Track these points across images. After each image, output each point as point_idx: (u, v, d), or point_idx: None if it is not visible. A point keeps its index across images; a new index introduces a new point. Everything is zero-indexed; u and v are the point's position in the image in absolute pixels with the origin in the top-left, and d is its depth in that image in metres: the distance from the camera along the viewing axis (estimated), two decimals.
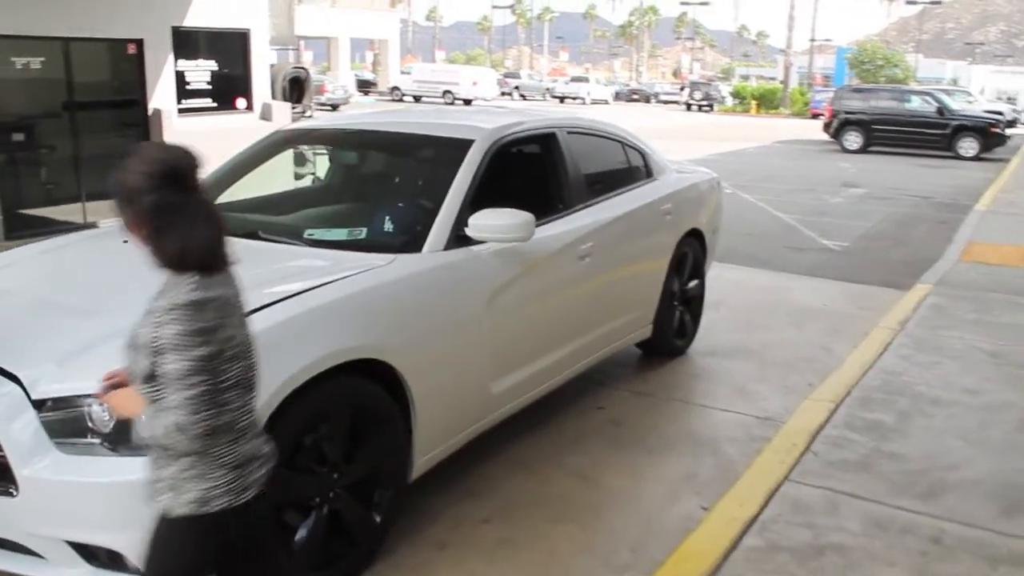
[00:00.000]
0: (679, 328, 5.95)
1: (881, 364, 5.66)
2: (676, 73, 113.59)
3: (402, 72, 51.43)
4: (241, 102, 11.88)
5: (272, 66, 13.50)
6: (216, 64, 11.45)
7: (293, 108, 13.31)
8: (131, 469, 2.67)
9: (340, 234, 3.93)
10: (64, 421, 2.75)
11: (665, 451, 4.55)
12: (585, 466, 4.34)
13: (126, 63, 10.38)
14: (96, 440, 2.72)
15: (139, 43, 10.30)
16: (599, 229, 4.76)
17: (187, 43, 10.94)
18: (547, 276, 4.35)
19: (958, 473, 4.18)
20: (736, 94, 53.02)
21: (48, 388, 2.77)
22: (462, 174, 4.03)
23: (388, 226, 4.01)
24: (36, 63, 9.45)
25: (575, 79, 63.34)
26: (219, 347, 1.97)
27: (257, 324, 2.94)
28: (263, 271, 3.50)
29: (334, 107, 34.54)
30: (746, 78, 76.59)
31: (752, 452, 4.47)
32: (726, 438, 4.71)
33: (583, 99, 55.39)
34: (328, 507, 3.18)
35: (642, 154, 5.77)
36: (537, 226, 4.00)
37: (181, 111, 10.91)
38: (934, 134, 23.07)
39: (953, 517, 3.75)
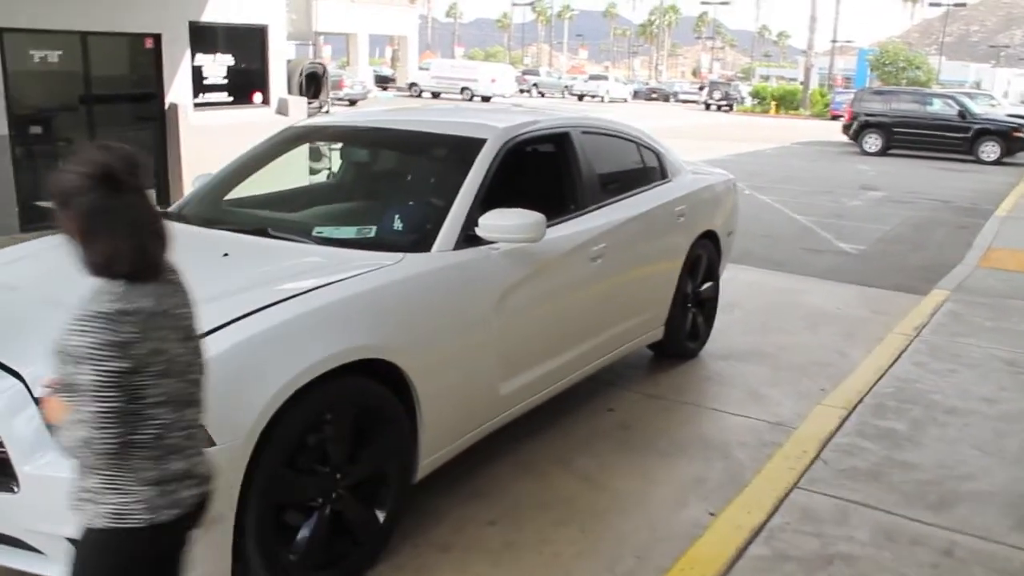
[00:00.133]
0: (692, 330, 5.90)
1: (895, 371, 5.59)
2: (696, 72, 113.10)
3: (420, 68, 51.44)
4: (258, 97, 11.87)
5: (289, 61, 13.50)
6: (233, 59, 11.45)
7: (310, 103, 13.32)
8: None
9: (349, 232, 3.90)
10: None
11: (675, 455, 4.51)
12: (593, 469, 4.30)
13: (143, 57, 10.40)
14: None
15: (156, 38, 10.31)
16: (612, 230, 4.72)
17: (204, 38, 10.94)
18: (558, 277, 4.31)
19: (972, 484, 4.12)
20: (756, 94, 52.76)
21: None
22: (473, 173, 4.00)
23: (397, 225, 3.98)
24: (54, 56, 9.47)
25: (594, 77, 63.17)
26: (137, 363, 1.86)
27: (262, 322, 2.96)
28: (271, 268, 3.50)
29: (352, 102, 34.58)
30: (766, 78, 76.22)
31: (762, 458, 4.42)
32: (737, 443, 4.66)
33: (602, 97, 55.29)
34: (331, 507, 3.16)
35: (657, 155, 5.72)
36: (549, 227, 3.97)
37: (197, 105, 10.91)
38: (955, 137, 22.84)
39: (966, 529, 3.69)
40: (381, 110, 5.89)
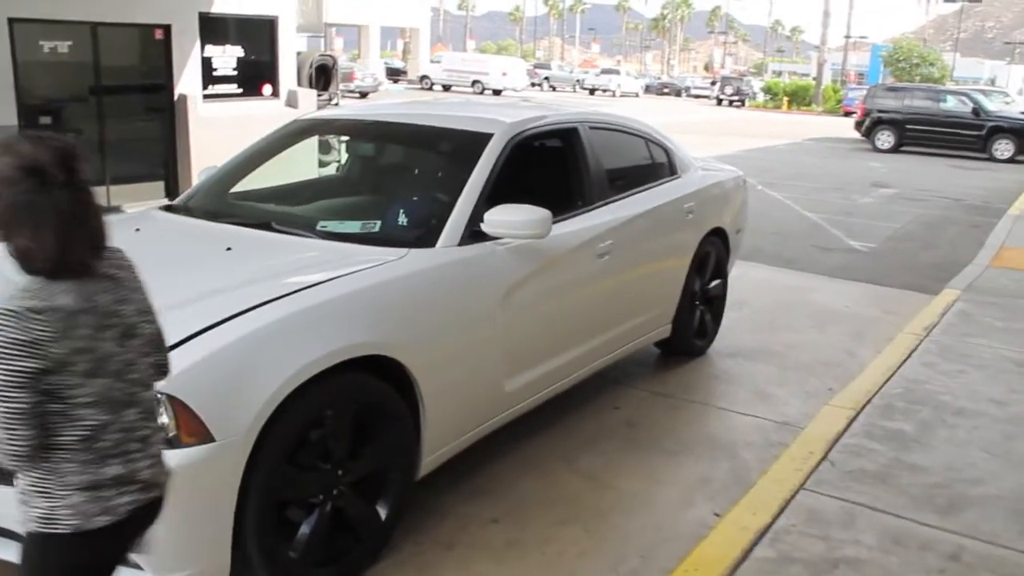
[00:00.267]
0: (699, 328, 5.86)
1: (904, 371, 5.54)
2: (708, 67, 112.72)
3: (432, 61, 51.41)
4: (267, 89, 11.86)
5: (299, 53, 13.48)
6: (243, 50, 11.44)
7: (319, 96, 13.29)
8: None
9: (353, 227, 3.87)
10: None
11: (681, 454, 4.48)
12: (598, 467, 4.27)
13: (153, 48, 10.39)
14: None
15: (166, 29, 10.31)
16: (619, 227, 4.68)
17: (214, 29, 10.93)
18: (564, 274, 4.28)
19: (981, 488, 4.07)
20: (768, 90, 52.54)
21: None
22: (479, 168, 3.96)
23: (402, 220, 3.96)
24: (64, 47, 9.49)
25: (605, 71, 63.06)
26: (53, 362, 1.79)
27: (264, 318, 2.93)
28: (274, 263, 3.48)
29: (363, 95, 34.58)
30: (779, 74, 75.89)
31: (769, 458, 4.38)
32: (743, 442, 4.62)
33: (613, 92, 55.15)
34: (332, 504, 3.14)
35: (666, 151, 5.68)
36: (555, 223, 3.94)
37: (207, 97, 10.91)
38: (968, 135, 22.68)
39: (974, 534, 3.64)
40: (389, 103, 5.86)
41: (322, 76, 14.32)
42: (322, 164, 5.72)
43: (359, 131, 5.03)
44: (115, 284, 1.95)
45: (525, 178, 4.25)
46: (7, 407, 1.78)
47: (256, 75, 11.72)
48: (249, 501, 2.81)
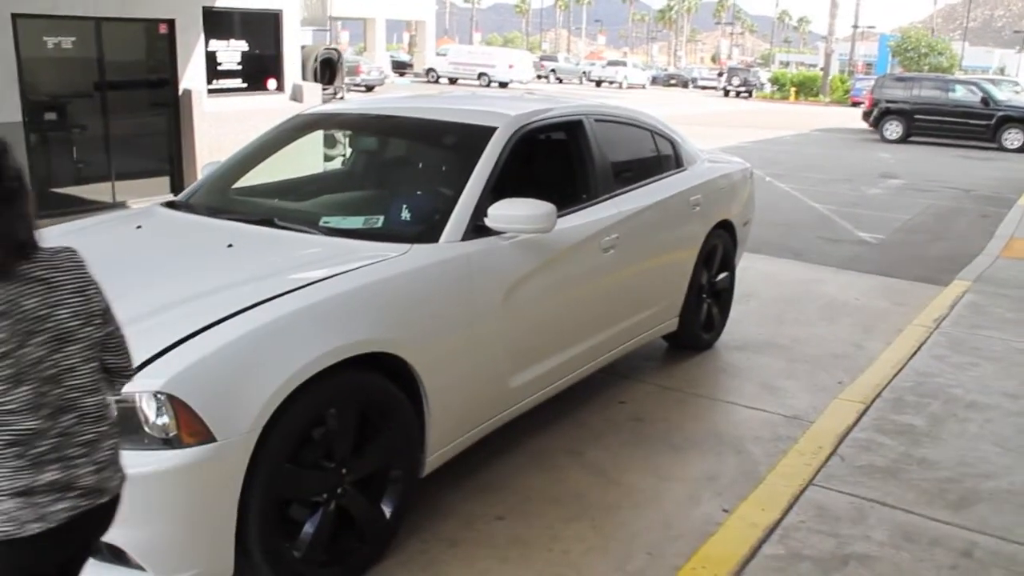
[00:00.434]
0: (706, 321, 5.81)
1: (914, 364, 5.49)
2: (715, 58, 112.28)
3: (438, 54, 51.28)
4: (272, 83, 11.83)
5: (304, 47, 13.44)
6: (247, 44, 11.40)
7: (324, 89, 13.26)
8: (132, 463, 2.60)
9: (356, 222, 3.84)
10: None
11: (688, 449, 4.43)
12: (605, 463, 4.23)
13: (157, 43, 10.37)
14: None
15: (170, 23, 10.28)
16: (625, 220, 4.63)
17: (218, 23, 10.90)
18: (569, 268, 4.23)
19: (993, 482, 4.02)
20: (775, 81, 52.30)
21: None
22: (483, 162, 3.92)
23: (405, 215, 3.92)
24: (68, 43, 9.45)
25: (612, 63, 62.79)
26: None
27: (265, 315, 2.90)
28: (276, 260, 3.45)
29: (369, 88, 34.52)
30: (786, 64, 75.59)
31: (777, 453, 4.34)
32: (751, 437, 4.58)
33: (619, 83, 54.97)
34: (336, 503, 3.11)
35: (672, 143, 5.62)
36: (560, 216, 3.90)
37: (211, 91, 10.88)
38: (978, 125, 22.54)
39: (986, 530, 3.59)
40: (394, 96, 5.81)
41: (327, 70, 14.30)
42: (328, 158, 5.69)
43: (362, 125, 4.98)
44: (46, 287, 1.87)
45: (529, 172, 4.21)
46: None
47: (261, 69, 11.69)
48: (252, 501, 2.78)
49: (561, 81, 57.79)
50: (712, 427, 4.75)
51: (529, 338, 3.99)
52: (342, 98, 14.22)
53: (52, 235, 3.90)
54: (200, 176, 4.69)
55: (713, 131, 20.38)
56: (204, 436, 2.63)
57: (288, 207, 4.34)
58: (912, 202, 13.18)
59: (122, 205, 9.69)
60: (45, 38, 9.22)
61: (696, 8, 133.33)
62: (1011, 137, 22.24)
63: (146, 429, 2.62)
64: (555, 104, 4.82)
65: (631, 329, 4.90)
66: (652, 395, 5.12)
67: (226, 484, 2.71)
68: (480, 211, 3.73)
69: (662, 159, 5.49)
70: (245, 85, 11.43)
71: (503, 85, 43.49)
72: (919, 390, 5.07)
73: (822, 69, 50.84)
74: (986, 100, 22.70)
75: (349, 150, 5.25)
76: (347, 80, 20.05)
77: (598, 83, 55.67)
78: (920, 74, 33.20)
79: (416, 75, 49.48)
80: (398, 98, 5.45)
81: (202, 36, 10.62)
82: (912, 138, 23.42)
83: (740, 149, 15.08)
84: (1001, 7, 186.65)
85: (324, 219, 3.87)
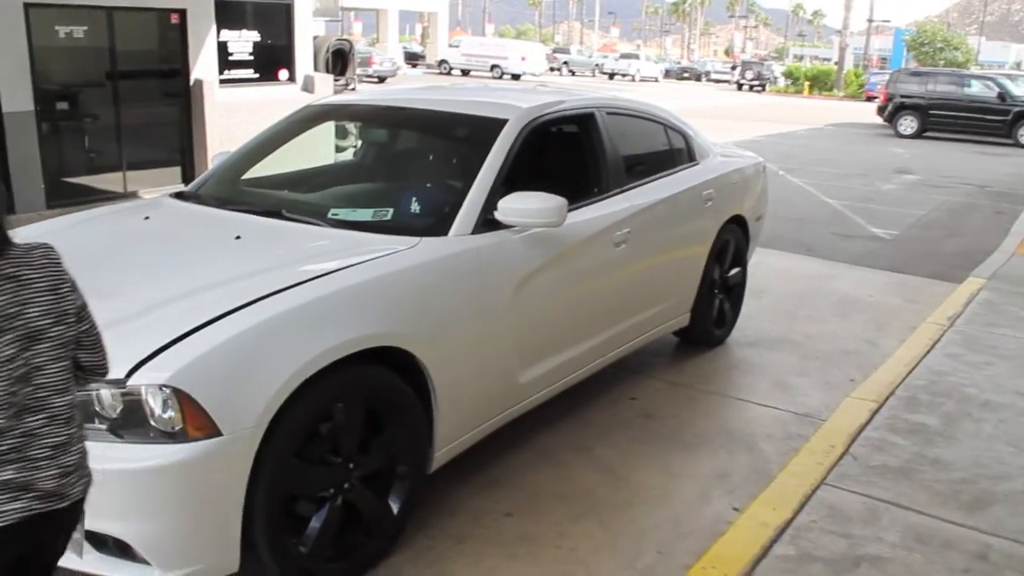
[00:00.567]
0: (718, 317, 5.77)
1: (928, 362, 5.43)
2: (728, 52, 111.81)
3: (450, 45, 51.19)
4: (283, 74, 11.81)
5: (315, 38, 13.40)
6: (259, 35, 11.38)
7: (336, 80, 13.22)
8: (137, 456, 2.60)
9: (365, 215, 3.80)
10: None
11: (698, 446, 4.39)
12: (614, 460, 4.20)
13: (169, 33, 10.35)
14: (103, 426, 2.63)
15: (182, 13, 10.26)
16: (636, 214, 4.59)
17: (230, 13, 10.87)
18: (580, 262, 4.19)
19: (1008, 484, 3.96)
20: (789, 75, 52.03)
21: None
22: (493, 155, 3.88)
23: (414, 207, 3.88)
24: (80, 32, 9.45)
25: (625, 56, 62.56)
26: None
27: (272, 309, 2.87)
28: (283, 252, 3.42)
29: (382, 79, 34.50)
30: (800, 58, 75.16)
31: (788, 451, 4.29)
32: (763, 435, 4.53)
33: (632, 76, 54.77)
34: (343, 498, 3.08)
35: (684, 137, 5.57)
36: (571, 210, 3.86)
37: (223, 82, 10.87)
38: (994, 120, 22.34)
39: (1001, 532, 3.54)
40: (406, 88, 5.76)
41: (339, 61, 14.26)
42: (339, 149, 5.66)
43: (372, 116, 4.95)
44: (16, 284, 1.84)
45: (540, 165, 4.16)
46: None
47: (272, 60, 11.67)
48: (258, 496, 2.75)
49: (574, 73, 57.58)
50: (723, 424, 4.71)
51: (539, 333, 3.95)
52: (354, 89, 14.18)
53: (60, 225, 3.92)
54: (210, 166, 4.67)
55: (726, 124, 20.25)
56: (210, 430, 2.61)
57: (297, 199, 4.31)
58: (926, 198, 13.07)
59: (133, 195, 9.69)
60: (57, 27, 9.21)
61: (710, 1, 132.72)
62: None
63: (151, 423, 2.60)
64: (567, 96, 4.77)
65: (642, 324, 4.85)
66: (662, 391, 5.08)
67: (232, 479, 2.69)
68: (490, 204, 3.69)
69: (674, 153, 5.43)
70: (257, 75, 11.41)
71: (515, 77, 43.36)
72: (933, 389, 5.01)
73: (836, 63, 50.56)
74: (1003, 95, 22.49)
75: (359, 141, 5.21)
76: (359, 71, 20.02)
77: (611, 76, 55.48)
78: (935, 69, 32.94)
79: (428, 67, 49.42)
80: (409, 89, 5.39)
81: (214, 26, 10.60)
82: (927, 133, 23.25)
83: (753, 143, 14.96)
84: (1019, 2, 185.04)
85: (333, 211, 3.83)
